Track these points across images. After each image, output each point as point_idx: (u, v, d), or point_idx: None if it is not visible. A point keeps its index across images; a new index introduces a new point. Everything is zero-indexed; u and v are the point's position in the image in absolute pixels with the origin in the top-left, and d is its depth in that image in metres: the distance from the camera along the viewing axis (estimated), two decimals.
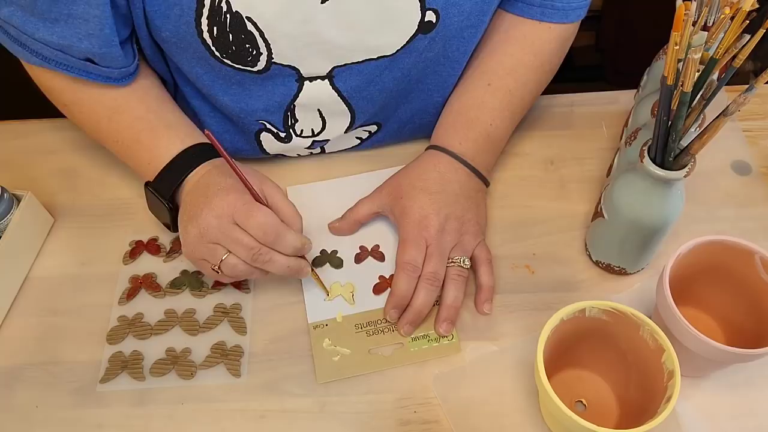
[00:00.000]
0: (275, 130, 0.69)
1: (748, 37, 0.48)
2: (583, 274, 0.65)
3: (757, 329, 0.55)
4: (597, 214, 0.62)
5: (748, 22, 0.48)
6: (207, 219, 0.56)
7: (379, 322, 0.62)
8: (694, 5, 0.47)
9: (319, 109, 0.66)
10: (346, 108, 0.66)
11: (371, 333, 0.62)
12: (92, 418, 0.58)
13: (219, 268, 0.57)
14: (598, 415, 0.55)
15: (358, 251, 0.67)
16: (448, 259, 0.62)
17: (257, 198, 0.58)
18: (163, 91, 0.67)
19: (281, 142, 0.70)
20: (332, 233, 0.68)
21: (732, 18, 0.48)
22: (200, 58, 0.60)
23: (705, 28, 0.55)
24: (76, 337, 0.62)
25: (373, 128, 0.72)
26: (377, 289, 0.64)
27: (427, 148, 0.68)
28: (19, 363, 0.61)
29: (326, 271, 0.66)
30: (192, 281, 0.65)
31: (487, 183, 0.68)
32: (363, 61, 0.61)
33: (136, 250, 0.68)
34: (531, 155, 0.75)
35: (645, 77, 0.71)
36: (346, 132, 0.70)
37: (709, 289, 0.59)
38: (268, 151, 0.72)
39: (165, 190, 0.62)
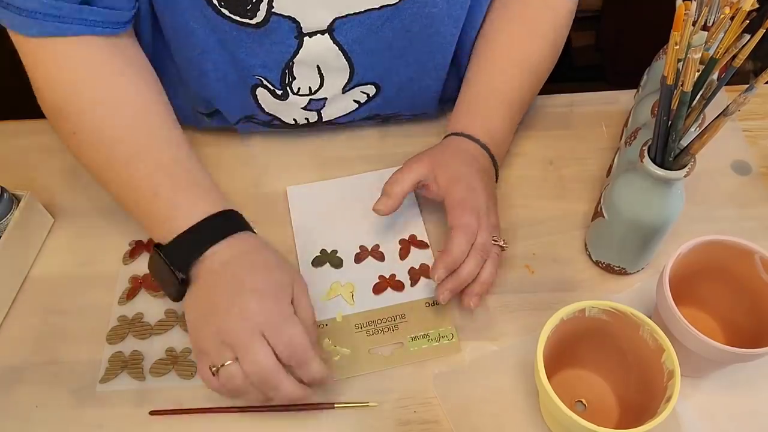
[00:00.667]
0: (272, 87, 0.67)
1: (748, 37, 0.48)
2: (583, 274, 0.65)
3: (757, 329, 0.55)
4: (597, 214, 0.62)
5: (748, 22, 0.48)
6: (233, 321, 0.50)
7: (379, 321, 0.62)
8: (694, 5, 0.47)
9: (318, 66, 0.64)
10: (346, 63, 0.65)
11: (371, 333, 0.62)
12: (92, 418, 0.58)
13: (216, 370, 0.51)
14: (598, 415, 0.55)
15: (358, 251, 0.67)
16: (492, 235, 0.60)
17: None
18: (187, 144, 0.61)
19: (277, 99, 0.68)
20: (379, 214, 0.62)
21: (732, 18, 0.48)
22: (196, 10, 0.58)
23: (705, 28, 0.55)
24: (76, 337, 0.62)
25: (371, 90, 0.70)
26: (377, 289, 0.64)
27: (447, 135, 0.67)
28: (19, 363, 0.61)
29: (326, 271, 0.66)
30: None
31: (497, 175, 0.68)
32: (365, 11, 0.60)
33: (136, 250, 0.68)
34: (531, 155, 0.75)
35: (645, 77, 0.71)
36: (344, 91, 0.68)
37: (709, 289, 0.59)
38: (264, 107, 0.69)
39: (179, 261, 0.54)
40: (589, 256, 0.66)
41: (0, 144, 0.77)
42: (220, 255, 0.54)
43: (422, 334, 0.62)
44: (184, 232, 0.54)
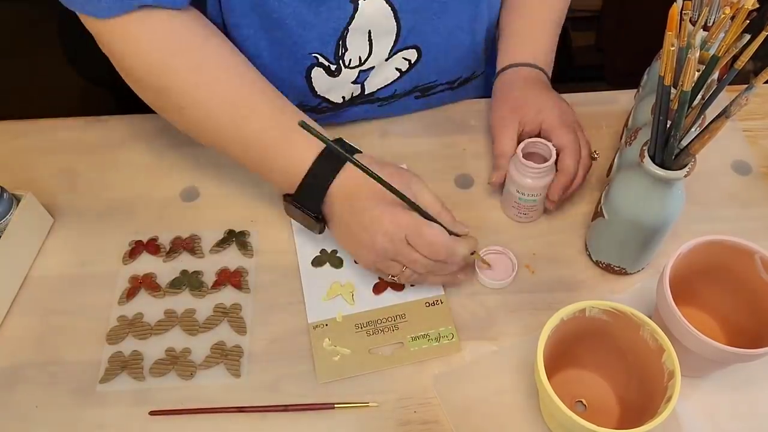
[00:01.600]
0: (327, 63, 0.68)
1: (748, 37, 0.48)
2: (583, 274, 0.65)
3: (757, 329, 0.55)
4: (597, 214, 0.62)
5: (748, 21, 0.48)
6: (382, 244, 0.58)
7: (379, 321, 0.62)
8: (689, 4, 0.47)
9: (369, 31, 0.66)
10: (395, 23, 0.67)
11: (371, 333, 0.62)
12: (92, 418, 0.58)
13: (398, 278, 0.60)
14: (598, 415, 0.55)
15: None
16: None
17: (424, 210, 0.58)
18: (278, 91, 0.63)
19: (331, 76, 0.70)
20: (494, 187, 0.70)
21: (732, 18, 0.48)
22: None
23: (705, 28, 0.55)
24: (76, 337, 0.62)
25: (413, 55, 0.72)
26: (377, 289, 0.64)
27: (502, 70, 0.72)
28: (19, 363, 0.61)
29: (326, 271, 0.66)
30: (192, 281, 0.65)
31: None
32: None
33: (136, 250, 0.68)
34: None
35: (645, 77, 0.71)
36: (388, 58, 0.70)
37: (709, 289, 0.59)
38: (317, 89, 0.71)
39: (312, 205, 0.60)
40: (589, 256, 0.66)
41: (0, 144, 0.77)
42: (341, 189, 0.59)
43: (422, 334, 0.62)
44: (304, 178, 0.59)
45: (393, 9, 0.65)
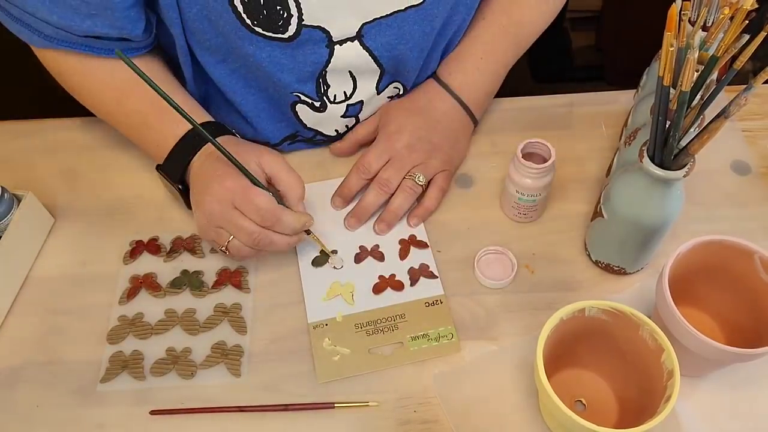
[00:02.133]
0: (310, 101, 0.68)
1: (747, 37, 0.48)
2: (583, 274, 0.65)
3: (757, 329, 0.55)
4: (597, 214, 0.62)
5: (747, 22, 0.48)
6: (210, 205, 0.59)
7: (379, 321, 0.62)
8: (689, 4, 0.47)
9: (350, 71, 0.67)
10: (376, 66, 0.67)
11: (371, 332, 0.62)
12: (93, 417, 0.58)
13: (227, 248, 0.60)
14: (597, 415, 0.56)
15: (358, 251, 0.67)
16: (407, 172, 0.68)
17: (255, 178, 0.59)
18: (168, 74, 0.68)
19: (317, 111, 0.70)
20: (334, 155, 0.74)
21: (731, 18, 0.48)
22: (230, 29, 0.59)
23: (705, 28, 0.55)
24: (77, 337, 0.63)
25: (400, 87, 0.73)
26: (377, 289, 0.65)
27: (436, 75, 0.73)
28: (19, 363, 0.61)
29: (326, 271, 0.66)
30: (192, 281, 0.65)
31: (475, 120, 0.73)
32: (392, 13, 0.62)
33: (137, 250, 0.68)
34: None
35: (645, 77, 0.71)
36: (378, 92, 0.71)
37: (708, 289, 0.59)
38: (305, 122, 0.71)
39: (174, 174, 0.64)
40: (589, 256, 0.66)
41: (0, 144, 0.78)
42: (199, 160, 0.63)
43: (422, 334, 0.62)
44: (171, 151, 0.64)
45: (371, 53, 0.65)
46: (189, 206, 0.65)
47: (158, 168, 0.65)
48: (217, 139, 0.61)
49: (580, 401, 0.57)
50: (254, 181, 0.59)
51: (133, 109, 0.65)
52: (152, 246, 0.68)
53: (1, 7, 0.59)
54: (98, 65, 0.64)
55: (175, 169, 0.64)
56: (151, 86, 0.54)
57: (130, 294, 0.65)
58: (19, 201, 0.66)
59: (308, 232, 0.63)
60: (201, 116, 0.65)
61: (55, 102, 0.74)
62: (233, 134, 0.66)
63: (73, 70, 0.64)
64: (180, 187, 0.64)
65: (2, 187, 0.65)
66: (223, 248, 0.60)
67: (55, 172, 0.75)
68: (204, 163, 0.62)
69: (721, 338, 0.59)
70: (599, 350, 0.56)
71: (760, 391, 0.58)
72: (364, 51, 0.64)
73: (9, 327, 0.64)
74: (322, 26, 0.60)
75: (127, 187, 0.73)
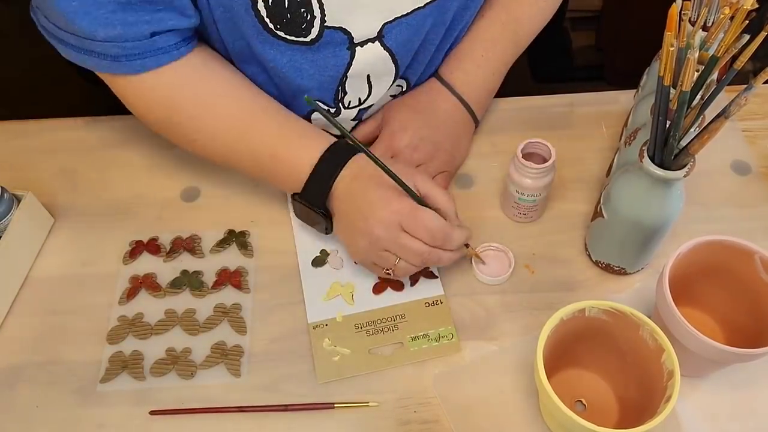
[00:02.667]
0: (326, 108, 0.68)
1: (747, 37, 0.48)
2: (583, 274, 0.65)
3: (757, 329, 0.55)
4: (597, 214, 0.62)
5: (747, 22, 0.48)
6: (377, 230, 0.58)
7: (379, 321, 0.62)
8: (689, 4, 0.47)
9: (368, 75, 0.66)
10: (393, 66, 0.66)
11: (371, 333, 0.62)
12: (92, 418, 0.58)
13: (392, 270, 0.60)
14: (598, 415, 0.56)
15: None
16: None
17: (420, 198, 0.59)
18: (246, 79, 0.66)
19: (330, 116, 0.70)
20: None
21: (731, 18, 0.48)
22: (252, 33, 0.59)
23: (705, 28, 0.55)
24: (77, 337, 0.63)
25: (404, 83, 0.72)
26: (377, 289, 0.65)
27: (438, 74, 0.73)
28: (19, 363, 0.61)
29: (326, 271, 0.66)
30: (192, 281, 0.65)
31: (476, 120, 0.73)
32: (412, 11, 0.61)
33: (136, 250, 0.68)
34: None
35: (645, 77, 0.71)
36: (389, 93, 0.71)
37: (709, 289, 0.59)
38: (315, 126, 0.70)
39: (317, 200, 0.62)
40: (589, 256, 0.66)
41: (0, 144, 0.78)
42: (342, 183, 0.61)
43: (422, 334, 0.62)
44: (309, 178, 0.61)
45: (390, 53, 0.64)
46: (330, 230, 0.64)
47: (295, 197, 0.63)
48: (352, 159, 0.61)
49: (581, 401, 0.57)
50: (419, 201, 0.58)
51: (260, 142, 0.63)
52: (152, 246, 0.68)
53: (62, 42, 0.57)
54: (216, 100, 0.62)
55: (318, 195, 0.62)
56: (338, 128, 0.55)
57: (130, 294, 0.65)
58: (19, 201, 0.66)
59: (467, 245, 0.63)
60: (328, 139, 0.63)
61: (56, 102, 0.74)
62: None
63: (188, 103, 0.62)
64: (324, 212, 0.62)
65: (2, 187, 0.65)
66: (388, 271, 0.60)
67: (55, 172, 0.75)
68: (351, 184, 0.60)
69: (721, 338, 0.59)
70: (599, 350, 0.56)
71: (761, 391, 0.58)
72: (385, 51, 0.64)
73: (9, 327, 0.64)
74: (344, 27, 0.60)
75: (127, 187, 0.73)
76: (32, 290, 0.66)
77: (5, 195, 0.64)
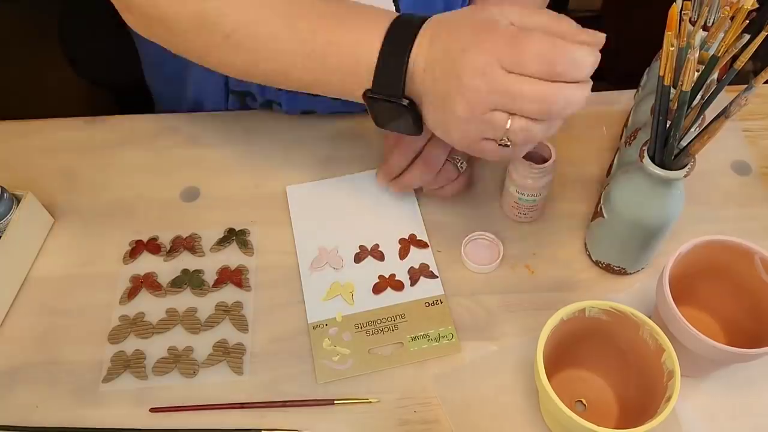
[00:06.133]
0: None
1: (747, 37, 0.48)
2: (583, 274, 0.65)
3: (757, 329, 0.55)
4: (597, 214, 0.62)
5: (748, 21, 0.48)
6: (472, 83, 0.45)
7: (379, 321, 0.62)
8: (689, 4, 0.47)
9: None
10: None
11: (371, 333, 0.62)
12: (93, 418, 0.58)
13: (507, 140, 0.47)
14: (598, 415, 0.56)
15: (358, 251, 0.67)
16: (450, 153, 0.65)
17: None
18: None
19: None
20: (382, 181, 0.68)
21: (732, 18, 0.48)
22: None
23: (705, 28, 0.55)
24: (77, 336, 0.63)
25: None
26: (377, 289, 0.65)
27: None
28: (19, 363, 0.61)
29: (326, 271, 0.66)
30: (193, 280, 0.66)
31: None
32: None
33: (137, 249, 0.68)
34: None
35: (645, 77, 0.71)
36: None
37: (709, 289, 0.59)
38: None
39: (395, 87, 0.50)
40: (589, 256, 0.66)
41: (0, 144, 0.78)
42: (421, 54, 0.49)
43: (422, 334, 0.62)
44: (378, 65, 0.50)
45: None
46: (419, 128, 0.53)
47: (367, 95, 0.52)
48: (421, 29, 0.49)
49: (581, 401, 0.57)
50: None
51: (309, 31, 0.51)
52: (152, 245, 0.68)
53: None
54: None
55: (393, 82, 0.49)
56: None
57: (131, 293, 0.65)
58: (19, 201, 0.66)
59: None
60: (382, 15, 0.52)
61: (56, 102, 0.74)
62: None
63: (226, 7, 0.52)
64: (406, 101, 0.50)
65: (2, 187, 0.65)
66: (503, 142, 0.47)
67: (55, 172, 0.75)
68: (430, 51, 0.48)
69: (721, 338, 0.59)
70: (599, 350, 0.56)
71: (761, 391, 0.58)
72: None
73: (9, 327, 0.64)
74: None
75: (126, 187, 0.73)
76: (32, 290, 0.66)
77: (5, 195, 0.64)
